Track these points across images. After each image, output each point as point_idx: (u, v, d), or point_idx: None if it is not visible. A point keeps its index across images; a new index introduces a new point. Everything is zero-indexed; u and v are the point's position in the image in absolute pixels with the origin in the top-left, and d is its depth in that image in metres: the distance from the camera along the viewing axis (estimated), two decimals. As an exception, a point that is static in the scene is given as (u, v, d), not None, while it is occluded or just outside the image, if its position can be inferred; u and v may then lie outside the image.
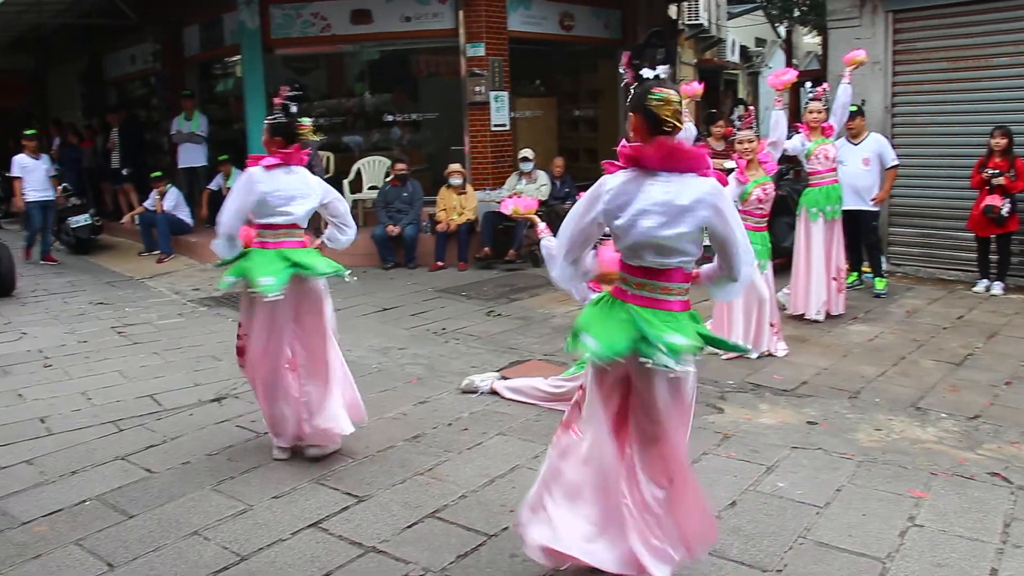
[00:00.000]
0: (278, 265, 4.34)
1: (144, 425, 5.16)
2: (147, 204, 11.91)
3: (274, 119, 4.57)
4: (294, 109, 4.60)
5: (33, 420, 5.28)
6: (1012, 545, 3.51)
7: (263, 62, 11.71)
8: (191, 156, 12.64)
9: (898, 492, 3.99)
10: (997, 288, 8.26)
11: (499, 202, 6.29)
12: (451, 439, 4.83)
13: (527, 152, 10.72)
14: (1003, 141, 7.94)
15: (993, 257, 8.35)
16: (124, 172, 13.44)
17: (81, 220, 12.02)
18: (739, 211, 6.44)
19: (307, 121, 4.64)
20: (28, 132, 11.41)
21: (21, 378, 6.23)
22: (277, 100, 4.57)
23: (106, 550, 3.62)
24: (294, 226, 4.49)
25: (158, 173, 11.91)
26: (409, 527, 3.79)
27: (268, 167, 4.44)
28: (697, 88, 6.90)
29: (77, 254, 12.06)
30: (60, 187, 11.94)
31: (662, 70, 3.00)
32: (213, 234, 4.55)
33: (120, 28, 14.45)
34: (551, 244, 5.22)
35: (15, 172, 11.04)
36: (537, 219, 5.32)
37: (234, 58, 12.63)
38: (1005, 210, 7.93)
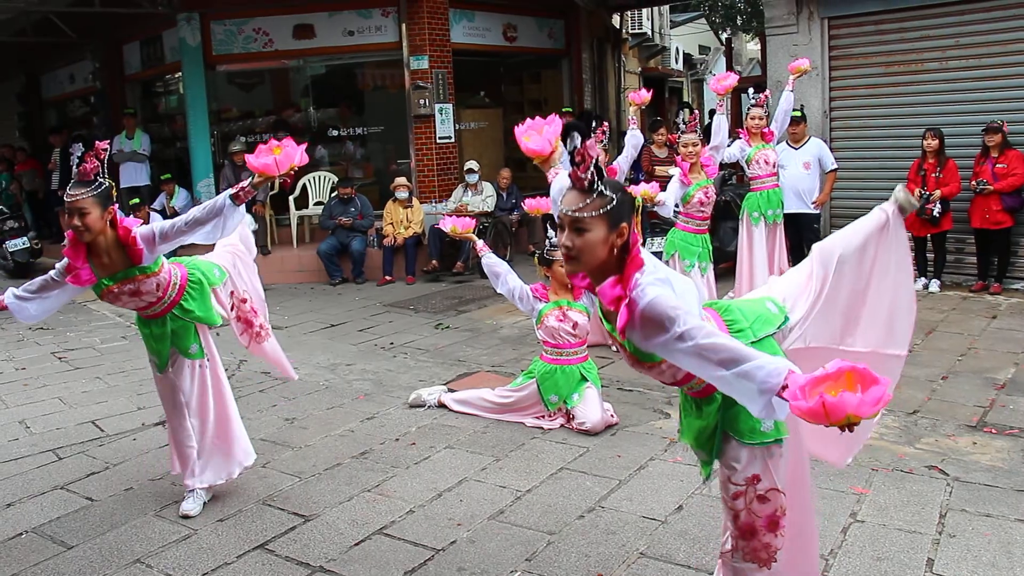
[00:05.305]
0: None
1: (85, 452, 5.04)
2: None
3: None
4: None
5: (-33, 451, 5.12)
6: (947, 535, 3.59)
7: (205, 79, 11.58)
8: (133, 175, 12.37)
9: (841, 489, 4.05)
10: (934, 286, 8.46)
11: (440, 217, 6.30)
12: (399, 454, 4.80)
13: (472, 164, 10.74)
14: (934, 143, 8.14)
15: (930, 256, 8.56)
16: (60, 194, 13.17)
17: (19, 244, 11.78)
18: (681, 213, 6.61)
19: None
20: None
21: (-44, 408, 6.04)
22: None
23: (43, 582, 3.53)
24: None
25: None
26: (356, 545, 3.75)
27: None
28: (645, 96, 7.04)
29: (16, 278, 11.76)
30: None
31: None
32: None
33: (58, 46, 14.18)
34: (492, 261, 5.25)
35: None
36: (475, 238, 5.36)
37: (175, 75, 12.47)
38: (937, 211, 8.15)
